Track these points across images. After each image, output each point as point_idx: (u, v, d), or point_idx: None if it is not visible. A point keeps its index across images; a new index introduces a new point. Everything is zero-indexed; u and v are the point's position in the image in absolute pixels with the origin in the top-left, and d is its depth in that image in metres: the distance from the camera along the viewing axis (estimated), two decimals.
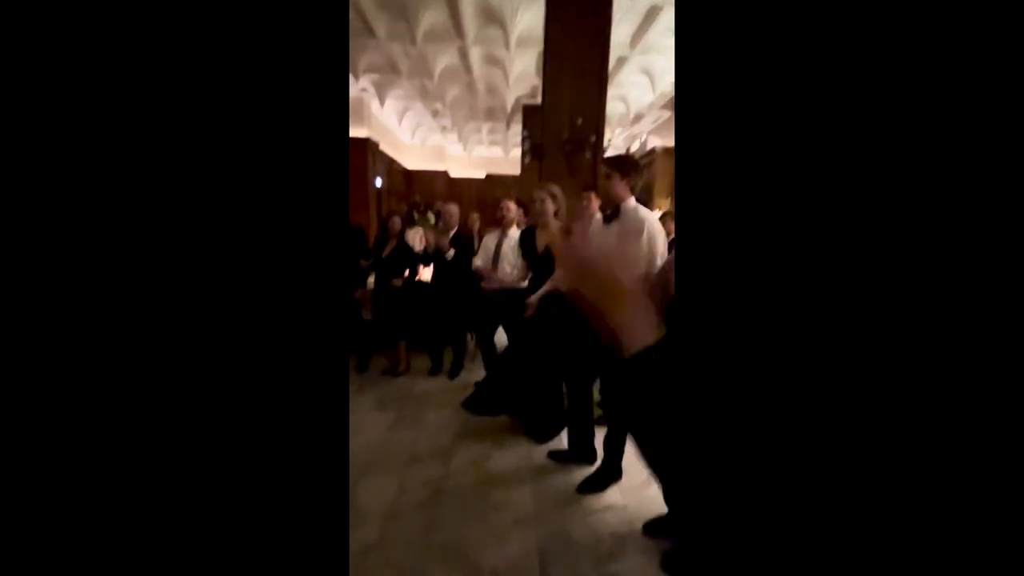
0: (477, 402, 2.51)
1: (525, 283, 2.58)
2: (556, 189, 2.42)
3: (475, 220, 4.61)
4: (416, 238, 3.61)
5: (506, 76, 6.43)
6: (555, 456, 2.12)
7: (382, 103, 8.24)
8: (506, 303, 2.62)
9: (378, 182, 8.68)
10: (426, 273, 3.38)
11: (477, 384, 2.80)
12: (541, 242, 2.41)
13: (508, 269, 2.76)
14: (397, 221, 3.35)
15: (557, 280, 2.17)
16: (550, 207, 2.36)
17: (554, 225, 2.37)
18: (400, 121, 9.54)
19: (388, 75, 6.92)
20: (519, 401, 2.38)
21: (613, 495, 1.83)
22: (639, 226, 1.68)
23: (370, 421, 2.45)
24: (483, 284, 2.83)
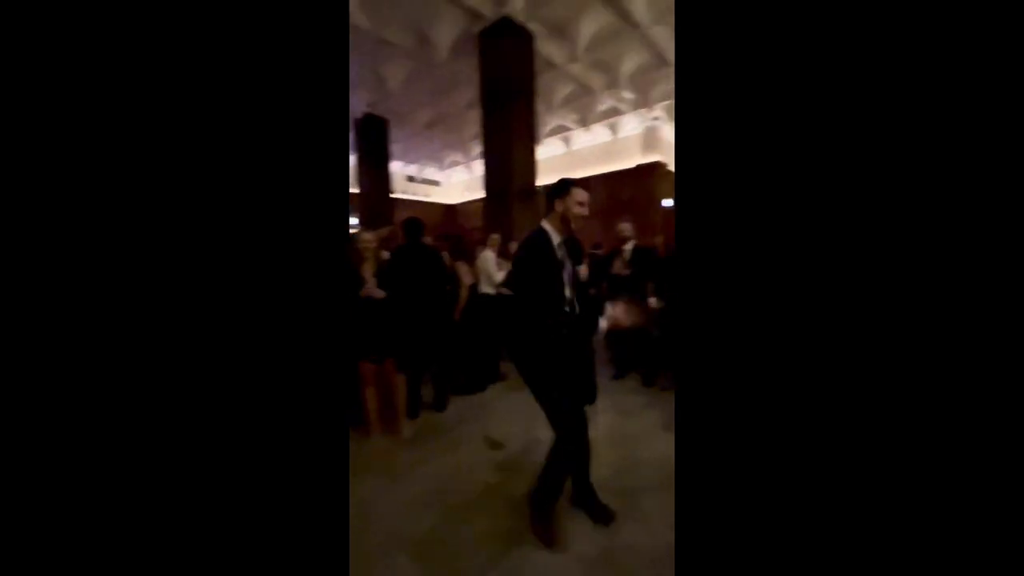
0: None
1: None
2: None
3: None
4: None
5: None
6: None
7: (672, 124, 8.25)
8: None
9: (668, 202, 8.67)
10: None
11: None
12: None
13: None
14: None
15: None
16: None
17: None
18: None
19: None
20: None
21: None
22: None
23: (658, 439, 2.47)
24: None
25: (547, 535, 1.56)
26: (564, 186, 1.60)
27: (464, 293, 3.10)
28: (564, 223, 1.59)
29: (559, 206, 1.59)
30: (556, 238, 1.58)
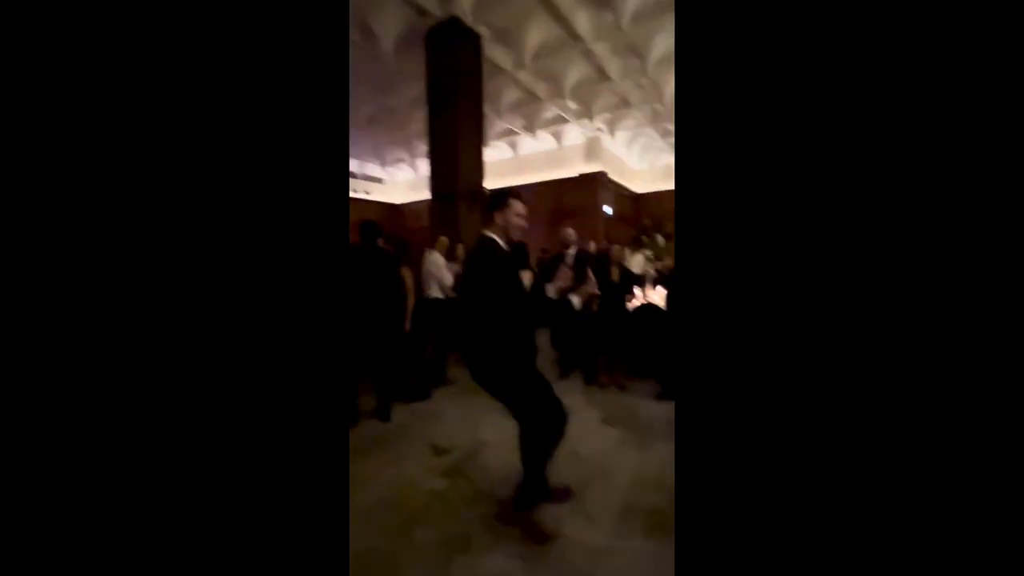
0: None
1: None
2: None
3: None
4: (634, 262, 3.74)
5: None
6: None
7: (612, 136, 8.71)
8: None
9: (608, 210, 9.11)
10: (658, 296, 3.34)
11: None
12: None
13: None
14: (616, 248, 3.67)
15: None
16: None
17: None
18: (629, 149, 9.80)
19: (620, 111, 7.31)
20: None
21: None
22: None
23: (597, 435, 2.59)
24: None
25: (538, 532, 1.61)
26: (503, 198, 1.60)
27: (411, 300, 3.00)
28: (504, 234, 1.61)
29: (499, 219, 1.60)
30: (504, 245, 1.60)
